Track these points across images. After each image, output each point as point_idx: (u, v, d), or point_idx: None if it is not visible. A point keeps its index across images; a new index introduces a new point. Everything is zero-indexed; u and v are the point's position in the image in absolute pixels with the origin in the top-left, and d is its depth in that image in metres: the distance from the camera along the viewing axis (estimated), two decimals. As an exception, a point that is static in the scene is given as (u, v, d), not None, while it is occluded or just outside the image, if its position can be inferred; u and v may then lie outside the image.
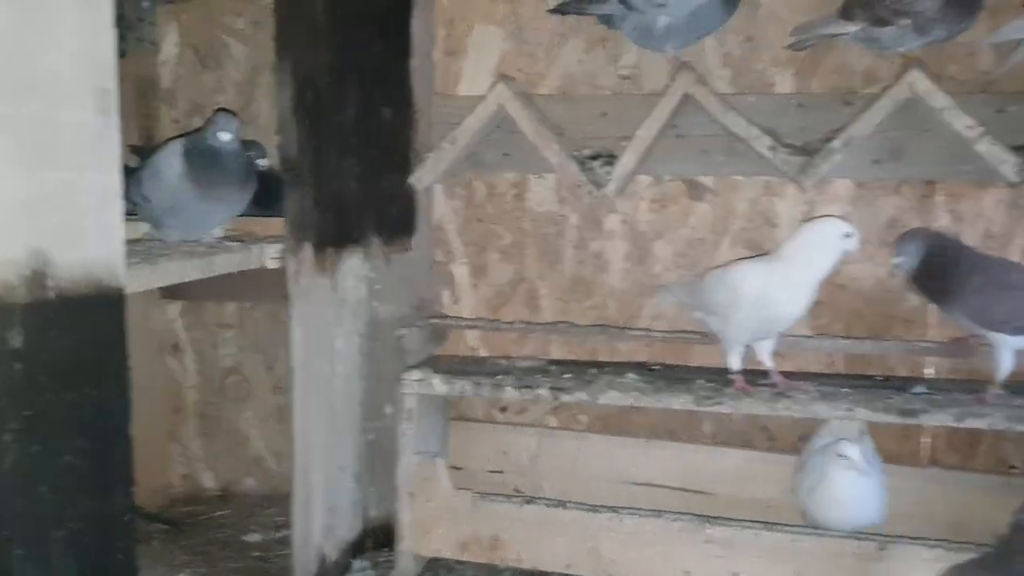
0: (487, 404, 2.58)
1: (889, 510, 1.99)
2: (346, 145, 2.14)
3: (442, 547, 2.18)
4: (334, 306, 2.11)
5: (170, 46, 2.69)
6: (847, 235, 1.93)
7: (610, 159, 2.20)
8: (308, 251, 1.96)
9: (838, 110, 2.20)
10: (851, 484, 1.94)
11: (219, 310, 2.74)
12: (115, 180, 1.26)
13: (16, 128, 1.07)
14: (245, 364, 2.74)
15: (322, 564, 2.10)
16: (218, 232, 1.97)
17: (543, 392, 2.10)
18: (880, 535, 1.92)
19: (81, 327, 1.18)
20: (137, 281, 1.49)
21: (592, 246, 2.49)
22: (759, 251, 2.28)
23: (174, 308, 2.76)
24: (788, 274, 1.95)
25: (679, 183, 2.41)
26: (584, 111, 2.39)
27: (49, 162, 1.12)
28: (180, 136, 1.94)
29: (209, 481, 2.79)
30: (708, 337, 2.15)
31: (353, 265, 2.21)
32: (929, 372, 2.30)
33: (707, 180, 2.39)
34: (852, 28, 2.02)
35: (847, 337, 2.29)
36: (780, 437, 2.41)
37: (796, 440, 2.37)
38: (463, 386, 2.14)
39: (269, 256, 1.96)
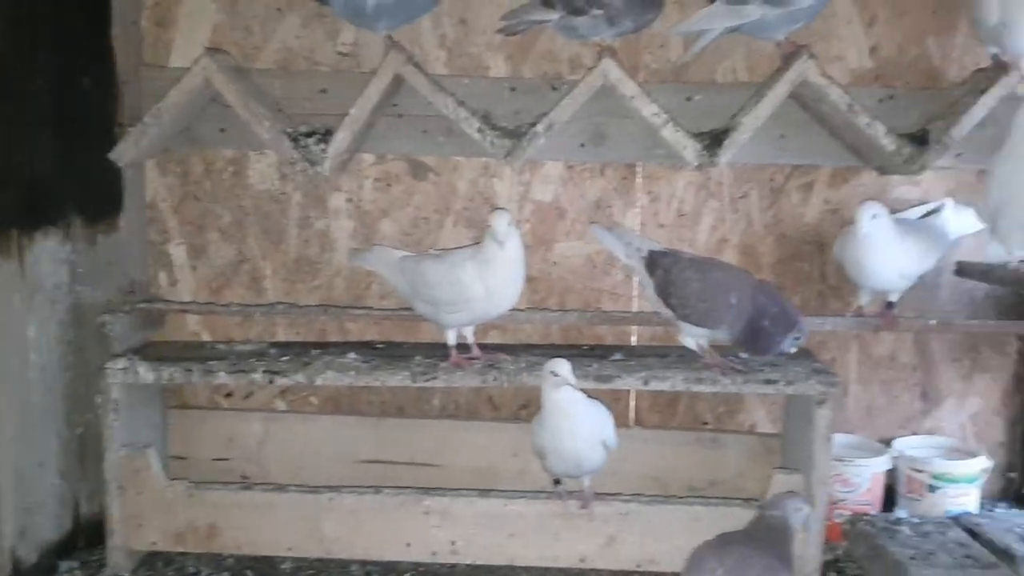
0: (210, 391, 2.50)
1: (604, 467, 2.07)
2: (31, 118, 1.98)
3: (157, 540, 2.10)
4: (24, 292, 1.95)
5: None
6: (490, 225, 1.98)
7: (325, 136, 2.18)
8: (-19, 234, 1.80)
9: (546, 95, 2.31)
10: (567, 399, 1.93)
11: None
12: None
13: None
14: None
15: (17, 570, 1.95)
16: None
17: (257, 376, 2.06)
18: (584, 493, 2.06)
19: None
20: None
21: (317, 225, 2.46)
22: (480, 230, 2.34)
23: None
24: (496, 270, 2.01)
25: (402, 162, 2.44)
26: (303, 87, 2.35)
27: None
28: None
29: None
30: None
31: (49, 247, 2.05)
32: (633, 340, 2.49)
33: (429, 160, 2.43)
34: (553, 16, 2.12)
35: (557, 310, 2.44)
36: (503, 407, 2.51)
37: (518, 408, 2.50)
38: (172, 373, 2.06)
39: (-65, 241, 1.78)
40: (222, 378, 2.08)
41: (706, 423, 2.52)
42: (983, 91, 2.12)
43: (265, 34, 2.39)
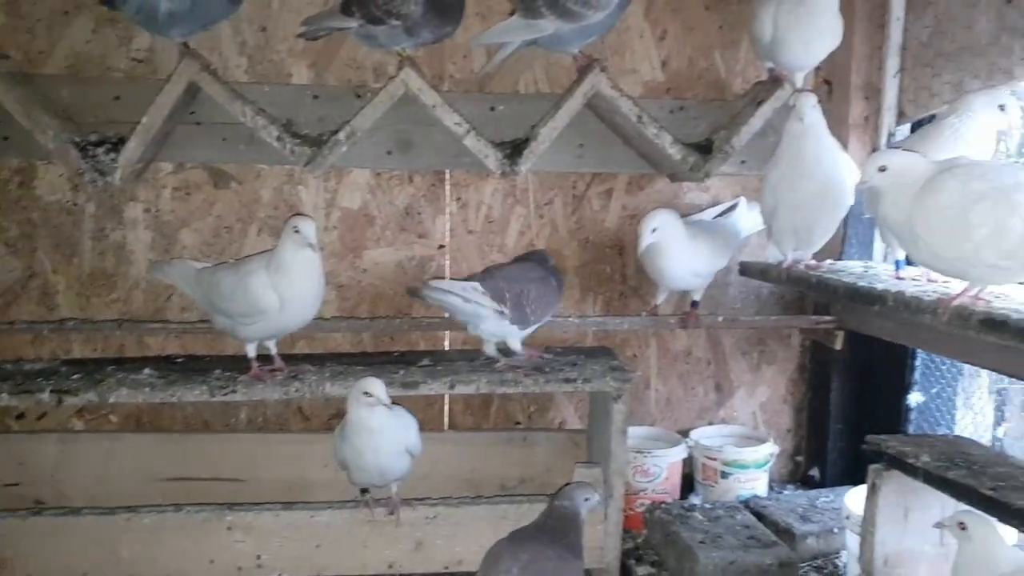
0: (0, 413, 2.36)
1: (410, 473, 2.07)
2: None
3: (-71, 579, 1.96)
4: None
5: None
6: (295, 229, 1.94)
7: (117, 146, 2.09)
8: None
9: (351, 103, 2.30)
10: (373, 416, 1.90)
11: None
12: None
13: None
14: None
15: None
16: None
17: (44, 396, 1.96)
18: (391, 500, 2.07)
19: None
20: None
21: (113, 236, 2.37)
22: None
23: None
24: (292, 280, 1.97)
25: (202, 170, 2.38)
26: (95, 94, 2.26)
27: None
28: None
29: None
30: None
31: None
32: (445, 344, 2.53)
33: (230, 168, 2.39)
34: (352, 23, 2.12)
35: (367, 318, 2.44)
36: (314, 416, 2.49)
37: (329, 419, 2.49)
38: (-53, 397, 1.93)
39: None
40: (5, 400, 1.95)
41: (518, 423, 2.59)
42: (760, 102, 2.27)
43: (52, 38, 2.28)
